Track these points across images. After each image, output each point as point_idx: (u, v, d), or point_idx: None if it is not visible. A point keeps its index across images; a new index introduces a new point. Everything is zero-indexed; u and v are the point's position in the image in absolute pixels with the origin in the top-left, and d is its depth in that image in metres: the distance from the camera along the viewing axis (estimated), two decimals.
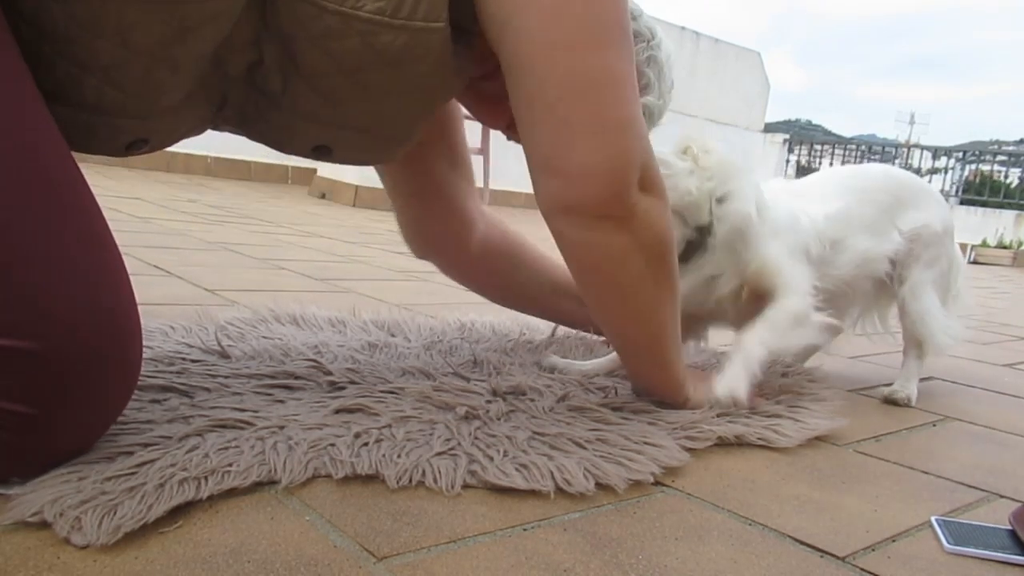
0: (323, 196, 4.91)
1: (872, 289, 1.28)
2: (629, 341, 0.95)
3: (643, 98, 0.96)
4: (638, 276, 0.86)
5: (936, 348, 1.24)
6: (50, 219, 0.61)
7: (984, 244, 7.90)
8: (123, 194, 3.18)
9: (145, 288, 1.45)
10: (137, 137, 0.79)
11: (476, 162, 1.95)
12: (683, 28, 7.57)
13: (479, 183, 2.79)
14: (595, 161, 0.79)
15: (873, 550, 0.67)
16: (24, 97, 0.63)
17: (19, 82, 0.63)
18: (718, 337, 1.41)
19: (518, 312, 1.34)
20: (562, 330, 1.33)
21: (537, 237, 1.22)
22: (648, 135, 0.85)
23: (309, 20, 0.73)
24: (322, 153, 0.89)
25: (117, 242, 0.66)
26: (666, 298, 0.90)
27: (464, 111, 1.10)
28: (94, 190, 0.67)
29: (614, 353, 1.11)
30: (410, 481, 0.69)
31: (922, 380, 1.43)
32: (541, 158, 0.81)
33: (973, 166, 11.86)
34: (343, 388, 0.91)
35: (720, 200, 1.02)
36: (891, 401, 1.20)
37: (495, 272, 1.24)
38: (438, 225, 1.17)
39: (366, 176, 4.47)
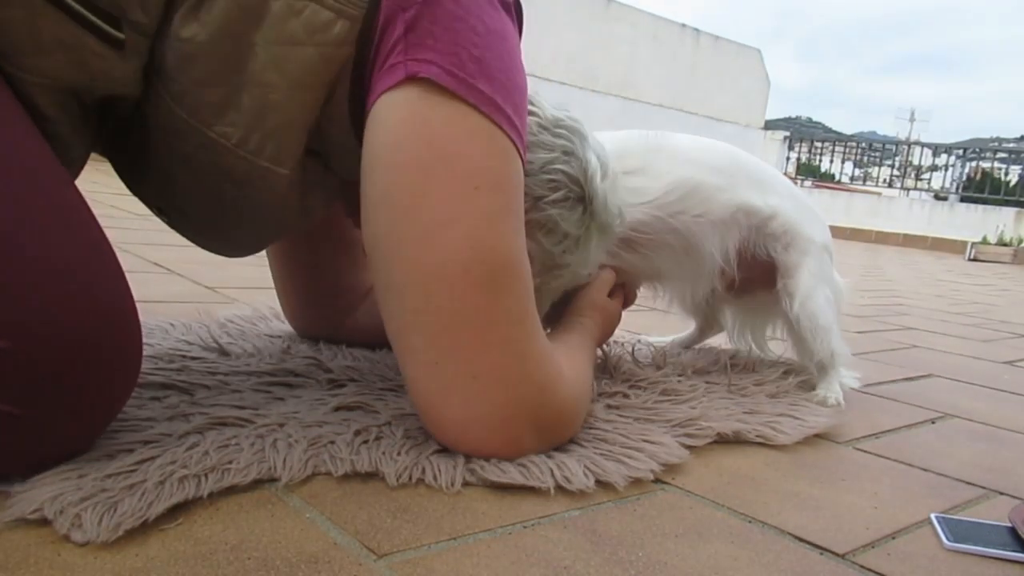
0: None
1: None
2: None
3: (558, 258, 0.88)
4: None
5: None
6: (39, 219, 0.60)
7: (984, 241, 7.90)
8: (123, 191, 3.14)
9: (145, 286, 1.45)
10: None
11: None
12: (683, 26, 7.56)
13: None
14: (473, 416, 0.71)
15: (873, 547, 0.67)
16: (8, 107, 0.63)
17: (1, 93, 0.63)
18: (716, 338, 1.42)
19: None
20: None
21: None
22: (544, 372, 0.74)
23: (162, 112, 0.72)
24: (161, 212, 0.86)
25: (116, 240, 0.66)
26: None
27: None
28: (93, 187, 0.67)
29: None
30: (410, 479, 0.69)
31: (922, 377, 1.43)
32: (418, 402, 0.73)
33: (973, 163, 11.87)
34: (343, 385, 0.91)
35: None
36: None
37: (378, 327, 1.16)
38: (320, 310, 1.12)
39: None
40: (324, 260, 1.11)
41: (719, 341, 1.42)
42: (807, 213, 1.20)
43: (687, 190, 1.10)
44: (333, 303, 1.12)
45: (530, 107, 0.85)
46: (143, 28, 0.68)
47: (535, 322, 0.75)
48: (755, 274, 1.21)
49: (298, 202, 0.80)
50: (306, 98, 0.72)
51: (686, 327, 1.42)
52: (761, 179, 1.18)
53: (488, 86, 0.70)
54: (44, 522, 0.55)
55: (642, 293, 1.21)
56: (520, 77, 0.76)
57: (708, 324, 1.40)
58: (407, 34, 0.69)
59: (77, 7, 0.64)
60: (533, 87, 0.84)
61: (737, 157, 1.19)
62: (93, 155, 0.80)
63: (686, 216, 1.11)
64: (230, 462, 0.66)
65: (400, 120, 0.70)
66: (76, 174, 0.82)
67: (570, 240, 0.89)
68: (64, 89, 0.67)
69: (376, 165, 0.71)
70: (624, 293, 1.12)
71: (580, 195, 0.88)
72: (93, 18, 0.64)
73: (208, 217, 0.83)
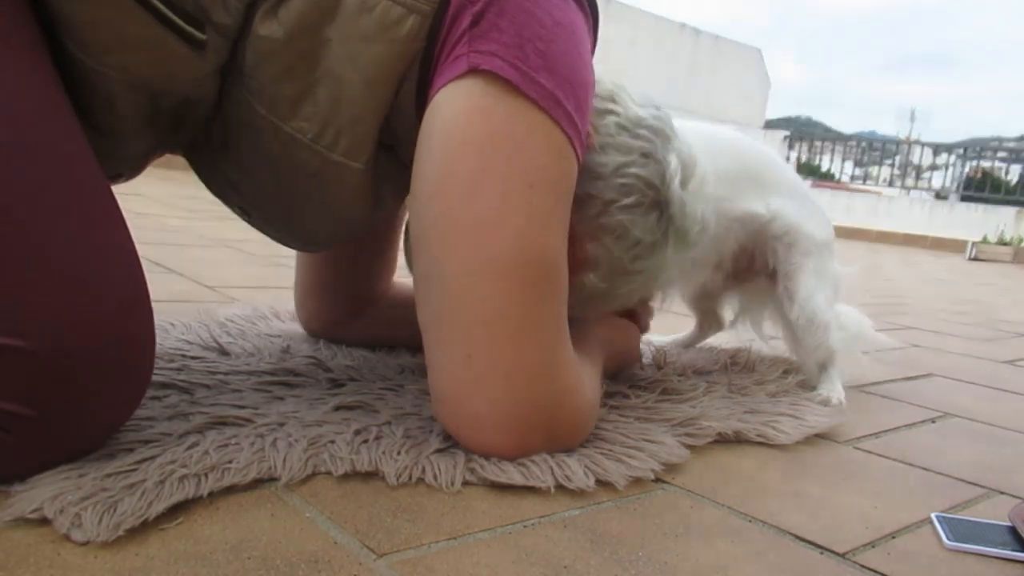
0: None
1: None
2: None
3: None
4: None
5: None
6: (64, 219, 0.60)
7: (984, 240, 7.90)
8: (123, 190, 3.13)
9: None
10: (116, 174, 0.81)
11: None
12: (683, 25, 7.57)
13: None
14: (496, 413, 0.71)
15: (873, 546, 0.67)
16: (53, 103, 0.63)
17: (51, 88, 0.64)
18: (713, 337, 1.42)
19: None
20: None
21: None
22: (565, 380, 0.74)
23: (244, 110, 0.73)
24: (243, 212, 0.88)
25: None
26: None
27: None
28: None
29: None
30: (410, 478, 0.69)
31: (922, 376, 1.43)
32: (442, 392, 0.73)
33: (974, 162, 11.86)
34: (343, 385, 0.91)
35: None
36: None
37: (386, 327, 1.14)
38: (334, 314, 1.12)
39: None
40: (347, 258, 1.10)
41: (719, 341, 1.42)
42: (809, 209, 1.19)
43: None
44: (343, 303, 1.12)
45: (612, 105, 0.83)
46: (225, 30, 0.69)
47: (566, 328, 0.75)
48: (754, 265, 1.21)
49: (371, 195, 0.81)
50: (378, 92, 0.73)
51: (686, 327, 1.42)
52: (764, 179, 1.17)
53: (550, 80, 0.70)
54: (44, 521, 0.55)
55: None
56: (586, 72, 0.76)
57: (708, 323, 1.40)
58: (473, 26, 0.70)
59: (164, 9, 0.65)
60: (620, 81, 0.83)
61: (741, 156, 1.18)
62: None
63: None
64: (230, 461, 0.66)
65: (460, 110, 0.70)
66: (134, 173, 0.84)
67: (643, 246, 0.83)
68: (140, 87, 0.69)
69: (432, 153, 0.71)
70: (643, 311, 1.12)
71: (656, 200, 0.83)
72: (178, 20, 0.66)
73: (286, 213, 0.85)
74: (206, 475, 0.63)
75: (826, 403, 1.09)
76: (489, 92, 0.69)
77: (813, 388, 1.15)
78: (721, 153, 1.14)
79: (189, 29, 0.67)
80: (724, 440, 0.90)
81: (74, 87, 0.67)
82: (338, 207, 0.81)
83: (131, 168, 0.83)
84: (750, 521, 0.70)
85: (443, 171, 0.71)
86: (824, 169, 11.99)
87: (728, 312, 1.38)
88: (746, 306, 1.33)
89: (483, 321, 0.69)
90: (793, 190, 1.20)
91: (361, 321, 1.12)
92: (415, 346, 1.12)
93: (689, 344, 1.40)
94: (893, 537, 0.70)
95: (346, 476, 0.68)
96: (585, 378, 0.79)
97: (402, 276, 1.06)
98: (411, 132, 0.76)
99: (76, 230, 0.61)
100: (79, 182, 0.63)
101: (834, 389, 1.13)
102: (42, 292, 0.57)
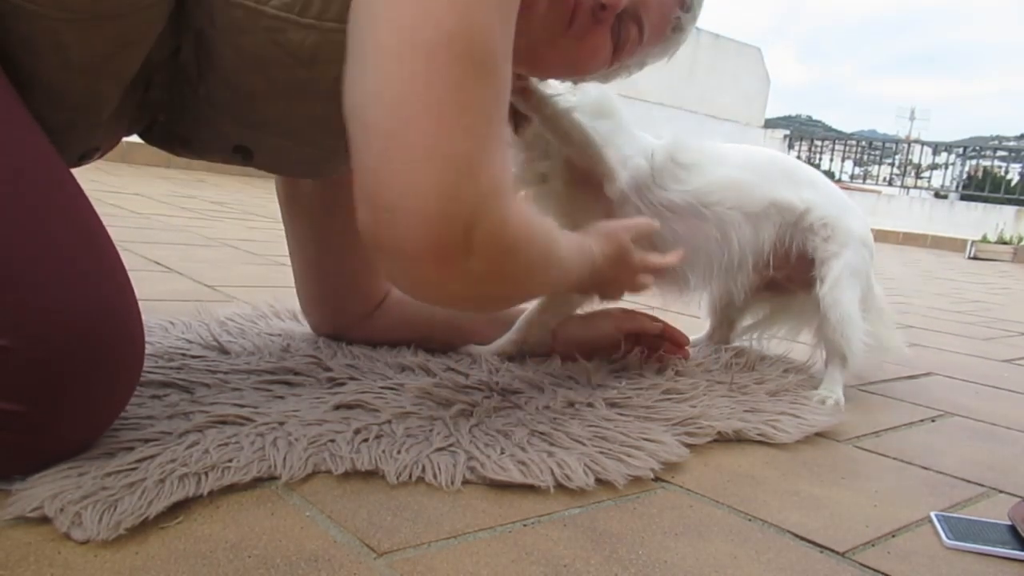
0: None
1: None
2: (554, 280, 0.85)
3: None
4: (500, 294, 0.77)
5: None
6: (41, 219, 0.60)
7: (984, 240, 7.90)
8: (123, 190, 3.17)
9: (145, 284, 1.45)
10: (89, 147, 0.78)
11: None
12: None
13: None
14: (412, 201, 0.63)
15: (873, 545, 0.67)
16: (6, 100, 0.63)
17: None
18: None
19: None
20: None
21: None
22: (497, 186, 0.67)
23: (217, 12, 0.70)
24: (243, 156, 0.84)
25: (117, 239, 0.66)
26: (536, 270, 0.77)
27: None
28: (94, 186, 0.67)
29: (514, 334, 1.13)
30: (410, 477, 0.69)
31: (922, 375, 1.43)
32: (358, 179, 0.66)
33: (973, 161, 11.86)
34: (343, 384, 0.91)
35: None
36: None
37: (396, 328, 1.13)
38: (333, 308, 1.11)
39: None
40: (342, 254, 1.09)
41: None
42: (846, 208, 1.21)
43: (724, 185, 1.14)
44: (347, 304, 1.11)
45: None
46: None
47: (501, 134, 0.68)
48: (794, 273, 1.22)
49: None
50: None
51: (698, 331, 1.41)
52: (797, 176, 1.20)
53: None
54: (44, 520, 0.55)
55: (675, 290, 1.21)
56: None
57: (722, 332, 1.39)
58: None
59: None
60: None
61: (775, 157, 1.23)
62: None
63: (720, 207, 1.14)
64: (230, 460, 0.66)
65: None
66: (112, 143, 0.81)
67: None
68: (90, 25, 0.65)
69: None
70: (652, 262, 1.04)
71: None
72: None
73: (284, 127, 0.80)
74: (206, 474, 0.63)
75: (822, 403, 1.09)
76: None
77: (814, 388, 1.15)
78: (757, 154, 1.22)
79: None
80: (724, 439, 0.90)
81: (24, 52, 0.65)
82: (339, 92, 0.73)
83: (107, 137, 0.79)
84: (750, 520, 0.70)
85: None
86: (824, 168, 11.98)
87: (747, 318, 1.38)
88: (772, 316, 1.34)
89: (411, 96, 0.63)
90: (828, 190, 1.23)
91: (374, 321, 1.12)
92: (425, 345, 1.12)
93: (696, 347, 1.39)
94: (893, 536, 0.70)
95: (346, 475, 0.68)
96: (530, 216, 0.74)
97: None
98: None
99: (48, 225, 0.60)
100: (43, 176, 0.63)
101: (833, 390, 1.13)
102: (21, 289, 0.57)
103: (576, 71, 0.89)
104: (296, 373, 0.93)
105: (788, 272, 1.23)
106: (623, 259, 0.96)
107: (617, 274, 0.97)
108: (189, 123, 0.82)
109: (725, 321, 1.38)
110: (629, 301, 1.13)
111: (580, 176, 1.12)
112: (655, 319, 1.18)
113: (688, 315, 1.43)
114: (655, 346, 1.17)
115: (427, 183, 0.63)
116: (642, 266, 1.01)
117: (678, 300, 1.24)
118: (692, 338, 1.40)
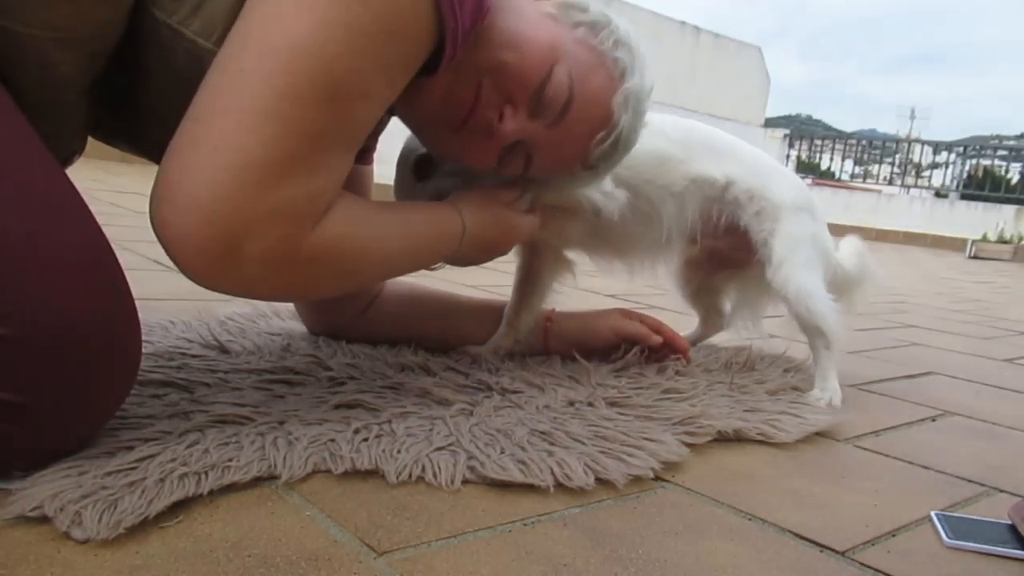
0: None
1: None
2: (397, 271, 0.88)
3: (625, 84, 0.87)
4: (320, 280, 0.75)
5: None
6: (31, 211, 0.61)
7: (984, 239, 7.90)
8: (123, 189, 3.16)
9: (145, 283, 1.44)
10: (69, 152, 0.79)
11: None
12: (683, 23, 7.56)
13: None
14: (203, 191, 0.62)
15: (873, 545, 0.67)
16: (4, 104, 0.63)
17: None
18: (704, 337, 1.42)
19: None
20: None
21: None
22: (296, 214, 0.67)
23: (149, 32, 0.70)
24: None
25: (117, 238, 0.66)
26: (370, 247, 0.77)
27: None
28: (94, 185, 0.68)
29: (505, 327, 1.13)
30: (410, 476, 0.69)
31: (922, 375, 1.43)
32: (159, 176, 0.66)
33: (974, 160, 11.86)
34: (343, 383, 0.91)
35: None
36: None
37: (390, 325, 1.14)
38: (339, 316, 1.12)
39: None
40: None
41: (720, 340, 1.42)
42: (774, 177, 1.18)
43: (660, 161, 1.12)
44: (339, 303, 1.11)
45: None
46: None
47: (328, 164, 0.69)
48: (735, 244, 1.21)
49: None
50: None
51: (688, 326, 1.42)
52: (718, 149, 1.18)
53: None
54: (44, 519, 0.55)
55: (617, 268, 1.22)
56: None
57: (711, 321, 1.40)
58: None
59: None
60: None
61: (693, 129, 1.20)
62: (91, 154, 0.80)
63: (652, 185, 1.12)
64: (230, 460, 0.66)
65: None
66: (82, 148, 0.81)
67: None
68: (72, 44, 0.66)
69: None
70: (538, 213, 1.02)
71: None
72: None
73: None
74: (206, 473, 0.63)
75: (815, 403, 1.08)
76: None
77: (813, 387, 1.15)
78: (677, 126, 1.17)
79: None
80: (724, 438, 0.90)
81: (12, 69, 0.65)
82: None
83: (81, 142, 0.80)
84: (750, 519, 0.70)
85: None
86: (824, 167, 11.99)
87: (729, 307, 1.38)
88: (744, 297, 1.33)
89: (225, 91, 0.64)
90: (754, 160, 1.20)
91: (368, 318, 1.12)
92: (420, 343, 1.12)
93: (692, 343, 1.40)
94: (893, 535, 0.70)
95: (346, 474, 0.68)
96: (360, 227, 0.75)
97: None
98: None
99: (44, 220, 0.61)
100: (37, 172, 0.63)
101: (827, 389, 1.12)
102: (18, 281, 0.57)
103: (462, 163, 0.91)
104: (296, 372, 0.93)
105: (730, 243, 1.21)
106: (500, 221, 0.95)
107: (497, 236, 0.95)
108: (136, 125, 0.82)
109: (711, 308, 1.38)
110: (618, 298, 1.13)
111: None
112: (658, 327, 1.18)
113: (674, 311, 1.43)
114: (660, 357, 1.17)
115: (205, 178, 0.63)
116: (523, 224, 0.99)
117: (612, 274, 1.25)
118: (684, 334, 1.41)
